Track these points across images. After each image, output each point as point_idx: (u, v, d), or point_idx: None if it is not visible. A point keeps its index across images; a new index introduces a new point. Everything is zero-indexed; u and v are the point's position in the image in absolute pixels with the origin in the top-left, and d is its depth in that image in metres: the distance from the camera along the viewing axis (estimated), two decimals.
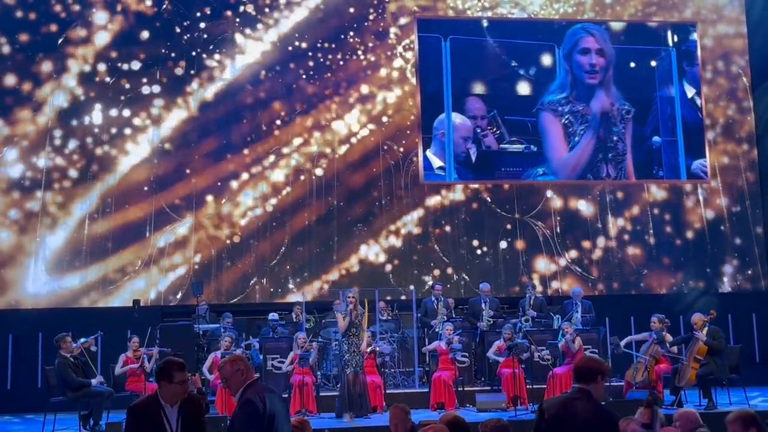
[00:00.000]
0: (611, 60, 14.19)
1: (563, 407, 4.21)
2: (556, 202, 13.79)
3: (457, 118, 13.66)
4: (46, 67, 12.70)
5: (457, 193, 13.60)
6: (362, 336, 9.72)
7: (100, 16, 12.94)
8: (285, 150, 13.23)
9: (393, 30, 13.72)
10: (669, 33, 14.39)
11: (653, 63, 14.30)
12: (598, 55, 14.16)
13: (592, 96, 14.03)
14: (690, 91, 14.36)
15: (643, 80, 14.23)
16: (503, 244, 13.51)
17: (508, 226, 13.58)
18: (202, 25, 13.23)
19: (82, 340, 9.75)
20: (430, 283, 12.99)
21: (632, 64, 14.21)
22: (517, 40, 13.94)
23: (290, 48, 13.44)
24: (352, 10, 13.66)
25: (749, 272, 14.08)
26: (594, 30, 14.23)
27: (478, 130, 13.69)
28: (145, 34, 13.05)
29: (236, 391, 4.32)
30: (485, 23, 13.93)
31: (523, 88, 13.91)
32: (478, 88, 13.80)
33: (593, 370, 4.21)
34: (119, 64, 12.91)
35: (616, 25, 14.34)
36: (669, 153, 14.14)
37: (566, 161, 13.87)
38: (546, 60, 13.98)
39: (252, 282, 12.90)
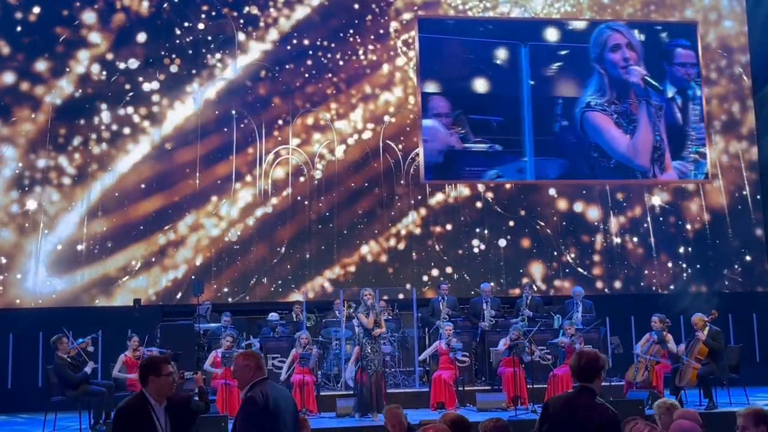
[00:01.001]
0: (641, 52, 14.19)
1: (568, 405, 4.25)
2: (557, 202, 13.78)
3: (439, 129, 13.59)
4: (46, 66, 12.69)
5: (458, 193, 13.59)
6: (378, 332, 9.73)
7: (100, 16, 12.92)
8: (285, 150, 13.23)
9: (393, 29, 13.70)
10: (635, 33, 14.30)
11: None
12: (629, 49, 14.17)
13: (630, 93, 14.06)
14: (671, 91, 14.30)
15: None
16: (503, 242, 13.50)
17: (511, 223, 13.56)
18: (203, 25, 13.22)
19: (80, 340, 9.72)
20: (427, 280, 13.01)
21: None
22: (483, 38, 13.84)
23: (290, 47, 13.44)
24: (357, 6, 13.64)
25: (749, 272, 14.07)
26: (616, 26, 14.21)
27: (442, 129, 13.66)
28: (145, 34, 13.03)
29: (243, 387, 4.33)
30: (450, 21, 13.85)
31: (487, 87, 13.79)
32: (442, 87, 13.72)
33: (594, 369, 4.25)
34: (119, 64, 12.90)
35: (579, 24, 14.24)
36: None
37: (634, 145, 13.91)
38: (504, 56, 13.83)
39: (252, 282, 12.90)
